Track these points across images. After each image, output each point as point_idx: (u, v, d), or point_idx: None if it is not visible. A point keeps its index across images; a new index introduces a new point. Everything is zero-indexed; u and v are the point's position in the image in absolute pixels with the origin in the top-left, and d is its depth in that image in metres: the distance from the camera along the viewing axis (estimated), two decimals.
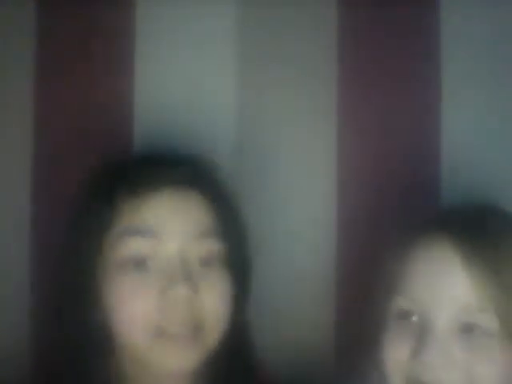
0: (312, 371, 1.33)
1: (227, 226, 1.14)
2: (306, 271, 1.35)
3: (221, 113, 1.35)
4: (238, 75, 1.35)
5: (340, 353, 1.34)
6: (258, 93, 1.35)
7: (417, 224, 1.12)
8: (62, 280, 1.14)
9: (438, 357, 1.02)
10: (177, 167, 1.14)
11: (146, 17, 1.34)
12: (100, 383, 1.11)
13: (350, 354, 1.31)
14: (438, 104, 1.35)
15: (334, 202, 1.35)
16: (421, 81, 1.35)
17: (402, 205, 1.33)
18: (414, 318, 1.06)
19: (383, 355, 1.07)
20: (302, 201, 1.36)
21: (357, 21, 1.35)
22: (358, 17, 1.35)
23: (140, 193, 1.10)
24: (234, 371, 1.15)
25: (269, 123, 1.35)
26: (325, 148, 1.35)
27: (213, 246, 1.11)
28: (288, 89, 1.35)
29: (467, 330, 1.03)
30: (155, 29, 1.34)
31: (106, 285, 1.10)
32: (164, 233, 1.09)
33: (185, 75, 1.35)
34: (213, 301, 1.10)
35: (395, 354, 1.06)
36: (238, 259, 1.14)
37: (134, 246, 1.09)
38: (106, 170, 1.17)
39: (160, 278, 1.08)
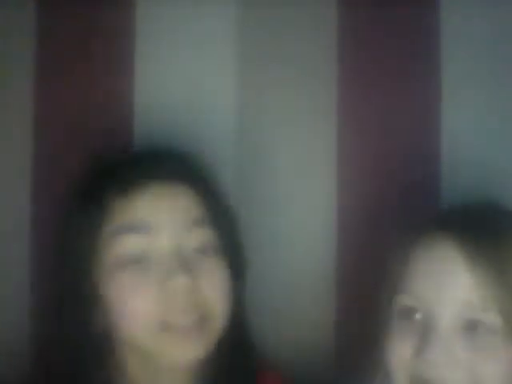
0: (312, 371, 1.33)
1: (217, 215, 1.15)
2: (306, 271, 1.35)
3: (221, 113, 1.35)
4: (238, 75, 1.35)
5: (340, 353, 1.34)
6: (258, 93, 1.35)
7: (418, 224, 1.13)
8: (59, 280, 1.14)
9: (442, 355, 1.03)
10: (164, 162, 1.15)
11: (146, 17, 1.34)
12: (100, 383, 1.12)
13: (349, 354, 1.31)
14: (438, 104, 1.35)
15: (334, 202, 1.35)
16: (421, 81, 1.35)
17: (402, 205, 1.33)
18: (418, 316, 1.06)
19: (387, 353, 1.08)
20: (302, 201, 1.35)
21: (357, 21, 1.35)
22: (357, 17, 1.35)
23: (129, 190, 1.11)
24: (236, 364, 1.15)
25: (269, 123, 1.35)
26: (325, 148, 1.35)
27: (206, 235, 1.12)
28: (288, 89, 1.35)
29: (470, 328, 1.04)
30: (155, 29, 1.34)
31: (104, 284, 1.11)
32: (157, 227, 1.10)
33: (185, 75, 1.35)
34: (213, 288, 1.10)
35: (399, 352, 1.06)
36: (230, 247, 1.15)
37: (129, 244, 1.10)
38: (94, 170, 1.17)
39: (158, 272, 1.09)
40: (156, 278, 1.09)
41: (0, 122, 1.33)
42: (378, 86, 1.35)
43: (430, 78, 1.35)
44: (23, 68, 1.33)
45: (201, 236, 1.12)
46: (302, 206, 1.35)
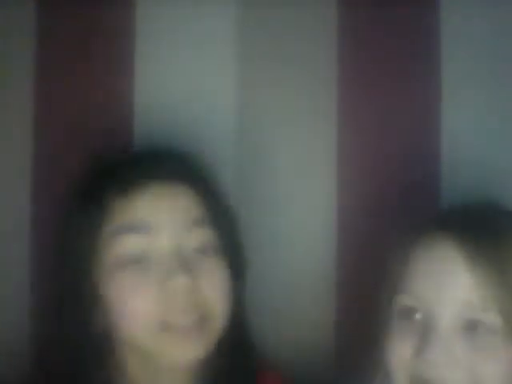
0: (312, 371, 1.33)
1: (217, 215, 1.15)
2: (306, 271, 1.35)
3: (221, 113, 1.35)
4: (238, 75, 1.35)
5: (340, 353, 1.34)
6: (258, 93, 1.35)
7: (418, 224, 1.13)
8: (59, 280, 1.14)
9: (442, 355, 1.03)
10: (164, 162, 1.15)
11: (145, 17, 1.34)
12: (100, 383, 1.12)
13: (349, 354, 1.31)
14: (438, 104, 1.35)
15: (334, 202, 1.35)
16: (421, 81, 1.35)
17: (402, 205, 1.33)
18: (418, 316, 1.06)
19: (387, 353, 1.08)
20: (302, 201, 1.35)
21: (357, 21, 1.35)
22: (357, 17, 1.35)
23: (129, 190, 1.11)
24: (236, 364, 1.15)
25: (269, 123, 1.35)
26: (325, 148, 1.35)
27: (206, 235, 1.12)
28: (288, 89, 1.35)
29: (470, 328, 1.04)
30: (155, 29, 1.34)
31: (104, 284, 1.11)
32: (157, 227, 1.10)
33: (185, 75, 1.35)
34: (213, 288, 1.10)
35: (399, 352, 1.06)
36: (230, 247, 1.16)
37: (129, 244, 1.10)
38: (94, 170, 1.17)
39: (158, 272, 1.09)
40: (156, 278, 1.09)
41: (0, 122, 1.33)
42: (377, 85, 1.35)
43: (429, 78, 1.35)
44: (23, 68, 1.33)
45: (201, 236, 1.12)
46: (302, 205, 1.35)
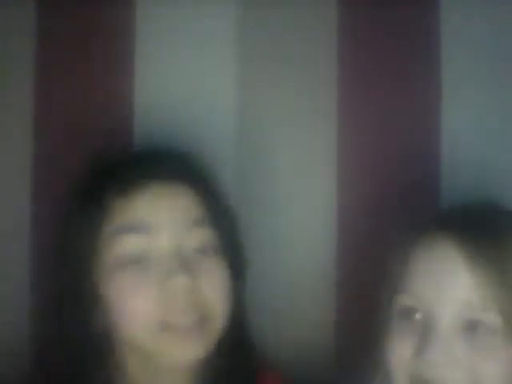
0: (312, 371, 1.33)
1: (217, 215, 1.15)
2: (306, 271, 1.35)
3: (221, 113, 1.35)
4: (238, 75, 1.35)
5: (340, 353, 1.34)
6: (258, 93, 1.35)
7: (418, 224, 1.13)
8: (59, 280, 1.14)
9: (442, 355, 1.03)
10: (164, 162, 1.15)
11: (145, 17, 1.34)
12: (100, 383, 1.12)
13: (349, 353, 1.31)
14: (438, 104, 1.35)
15: (334, 202, 1.35)
16: (421, 81, 1.35)
17: (402, 205, 1.33)
18: (418, 316, 1.06)
19: (387, 353, 1.08)
20: (302, 201, 1.35)
21: (357, 21, 1.35)
22: (358, 17, 1.35)
23: (129, 190, 1.11)
24: (236, 364, 1.16)
25: (269, 123, 1.35)
26: (325, 148, 1.35)
27: (206, 235, 1.12)
28: (288, 89, 1.35)
29: (470, 328, 1.04)
30: (155, 29, 1.34)
31: (104, 284, 1.11)
32: (157, 227, 1.10)
33: (185, 75, 1.35)
34: (213, 288, 1.11)
35: (399, 352, 1.06)
36: (230, 247, 1.16)
37: (129, 244, 1.10)
38: (94, 170, 1.17)
39: (158, 272, 1.09)
40: (156, 278, 1.09)
41: (0, 122, 1.33)
42: (378, 85, 1.35)
43: (429, 78, 1.35)
44: (23, 68, 1.33)
45: (201, 236, 1.12)
46: (302, 205, 1.35)
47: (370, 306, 1.16)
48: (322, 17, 1.35)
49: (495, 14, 1.35)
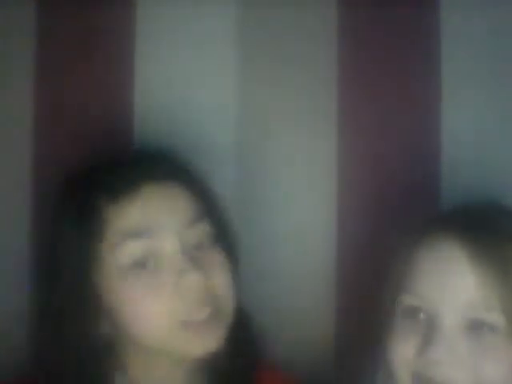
0: (312, 371, 1.33)
1: (210, 209, 1.16)
2: (306, 271, 1.35)
3: (221, 113, 1.35)
4: (238, 75, 1.35)
5: (340, 353, 1.34)
6: (258, 93, 1.35)
7: (419, 223, 1.13)
8: (57, 291, 1.13)
9: (445, 354, 1.03)
10: (156, 164, 1.16)
11: (145, 17, 1.34)
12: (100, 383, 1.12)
13: (349, 354, 1.31)
14: (438, 104, 1.35)
15: (334, 202, 1.35)
16: (421, 81, 1.35)
17: (402, 205, 1.33)
18: (421, 316, 1.06)
19: (390, 353, 1.08)
20: (302, 201, 1.35)
21: (357, 21, 1.35)
22: (358, 17, 1.35)
23: (125, 197, 1.11)
24: (236, 364, 1.17)
25: (269, 123, 1.35)
26: (325, 148, 1.35)
27: (204, 229, 1.13)
28: (288, 89, 1.35)
29: (474, 327, 1.04)
30: (155, 29, 1.34)
31: (109, 291, 1.11)
32: (159, 229, 1.11)
33: (185, 75, 1.35)
34: (221, 280, 1.12)
35: (402, 351, 1.07)
36: (224, 237, 1.17)
37: (132, 250, 1.10)
38: (85, 178, 1.17)
39: (169, 273, 1.10)
40: (168, 279, 1.09)
41: (0, 122, 1.33)
42: (377, 85, 1.35)
43: (429, 78, 1.35)
44: (23, 68, 1.33)
45: (200, 232, 1.13)
46: (301, 206, 1.35)
47: (370, 306, 1.16)
48: (322, 17, 1.35)
49: (495, 13, 1.35)
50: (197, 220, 1.13)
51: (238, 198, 1.32)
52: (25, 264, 1.31)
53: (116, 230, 1.11)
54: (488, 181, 1.33)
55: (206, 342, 1.10)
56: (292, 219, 1.35)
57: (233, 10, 1.35)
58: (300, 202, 1.35)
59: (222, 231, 1.17)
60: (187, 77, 1.35)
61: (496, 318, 1.03)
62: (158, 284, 1.09)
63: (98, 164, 1.19)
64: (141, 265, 1.10)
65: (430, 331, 1.05)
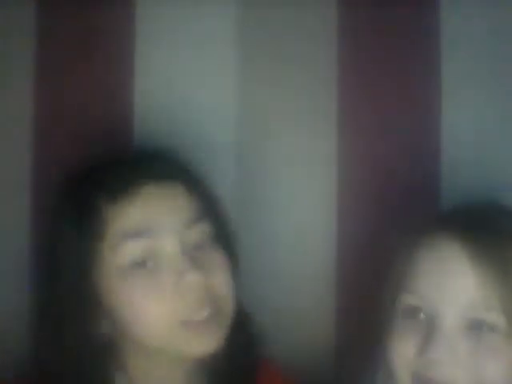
0: (312, 371, 1.33)
1: (210, 209, 1.16)
2: (306, 271, 1.35)
3: (221, 113, 1.35)
4: (238, 75, 1.35)
5: (340, 353, 1.34)
6: (258, 93, 1.35)
7: (420, 223, 1.13)
8: (56, 292, 1.13)
9: (446, 354, 1.03)
10: (154, 163, 1.16)
11: (145, 17, 1.34)
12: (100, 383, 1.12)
13: (349, 354, 1.31)
14: (438, 104, 1.35)
15: (334, 202, 1.35)
16: (421, 81, 1.35)
17: (402, 205, 1.33)
18: (421, 316, 1.07)
19: (390, 353, 1.08)
20: (302, 201, 1.35)
21: (357, 21, 1.35)
22: (357, 17, 1.35)
23: (124, 196, 1.11)
24: (236, 364, 1.17)
25: (269, 123, 1.35)
26: (325, 148, 1.35)
27: (204, 229, 1.13)
28: (288, 89, 1.35)
29: (474, 327, 1.04)
30: (155, 29, 1.34)
31: (109, 291, 1.11)
32: (160, 229, 1.11)
33: (185, 75, 1.35)
34: (221, 279, 1.12)
35: (402, 351, 1.07)
36: (224, 237, 1.17)
37: (132, 250, 1.10)
38: (84, 178, 1.17)
39: (169, 273, 1.10)
40: (168, 279, 1.09)
41: (0, 122, 1.33)
42: (377, 85, 1.35)
43: (429, 78, 1.35)
44: (23, 68, 1.33)
45: (200, 232, 1.13)
46: (302, 206, 1.35)
47: (370, 306, 1.16)
48: (322, 17, 1.35)
49: (495, 13, 1.35)
50: (197, 220, 1.13)
51: (238, 197, 1.32)
52: (25, 264, 1.31)
53: (116, 229, 1.11)
54: (488, 181, 1.33)
55: (206, 342, 1.10)
56: (292, 219, 1.35)
57: (233, 10, 1.35)
58: (300, 201, 1.35)
59: (222, 231, 1.17)
60: (187, 77, 1.35)
61: (496, 318, 1.03)
62: (157, 284, 1.09)
63: (98, 164, 1.19)
64: (141, 265, 1.10)
65: (430, 331, 1.05)
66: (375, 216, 1.34)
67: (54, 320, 1.13)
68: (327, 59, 1.35)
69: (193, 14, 1.34)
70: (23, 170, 1.33)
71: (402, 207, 1.33)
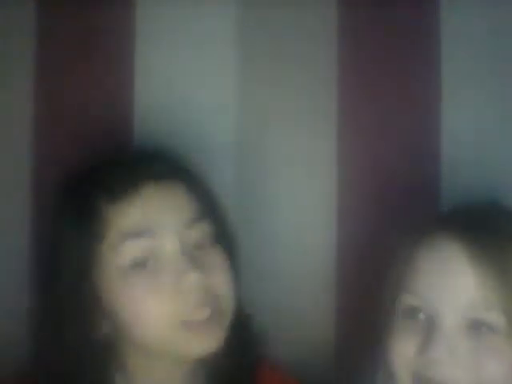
0: (312, 371, 1.33)
1: (210, 209, 1.16)
2: (306, 271, 1.35)
3: (221, 113, 1.35)
4: (238, 75, 1.35)
5: (340, 353, 1.34)
6: (258, 93, 1.35)
7: (420, 223, 1.13)
8: (56, 292, 1.13)
9: (446, 354, 1.03)
10: (154, 163, 1.15)
11: (145, 17, 1.34)
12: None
13: (349, 354, 1.31)
14: (438, 104, 1.35)
15: (334, 202, 1.35)
16: (421, 81, 1.35)
17: (402, 205, 1.33)
18: (421, 316, 1.07)
19: (390, 353, 1.08)
20: (302, 201, 1.35)
21: (357, 21, 1.35)
22: (358, 17, 1.35)
23: (124, 196, 1.11)
24: (236, 364, 1.17)
25: (269, 123, 1.35)
26: (325, 148, 1.35)
27: (204, 229, 1.13)
28: (288, 89, 1.35)
29: (474, 327, 1.04)
30: (155, 29, 1.34)
31: (109, 291, 1.11)
32: (160, 229, 1.11)
33: (185, 75, 1.35)
34: (221, 279, 1.12)
35: (402, 351, 1.07)
36: (224, 237, 1.17)
37: (132, 250, 1.10)
38: (84, 178, 1.17)
39: (169, 273, 1.10)
40: (168, 279, 1.09)
41: (0, 122, 1.33)
42: (378, 85, 1.35)
43: (429, 78, 1.35)
44: (23, 68, 1.33)
45: (200, 231, 1.13)
46: (302, 205, 1.35)
47: (370, 306, 1.16)
48: (322, 17, 1.35)
49: (495, 13, 1.35)
50: (197, 220, 1.13)
51: (238, 198, 1.32)
52: (25, 264, 1.31)
53: (116, 230, 1.11)
54: (488, 181, 1.33)
55: (206, 342, 1.10)
56: (292, 219, 1.35)
57: (233, 10, 1.35)
58: (300, 202, 1.35)
59: (222, 231, 1.17)
60: (187, 77, 1.35)
61: (496, 317, 1.03)
62: (158, 284, 1.09)
63: (98, 164, 1.18)
64: (141, 265, 1.10)
65: (430, 331, 1.05)
66: (375, 216, 1.34)
67: (54, 320, 1.13)
68: (327, 59, 1.35)
69: (193, 14, 1.34)
70: (23, 170, 1.33)
71: (402, 207, 1.33)
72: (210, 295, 1.10)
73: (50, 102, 1.33)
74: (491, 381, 1.04)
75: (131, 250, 1.10)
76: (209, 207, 1.16)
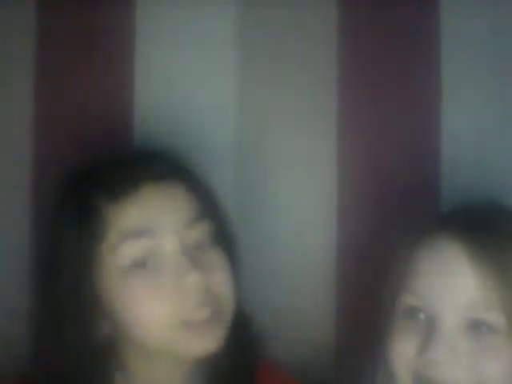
0: (312, 371, 1.33)
1: (210, 209, 1.16)
2: (306, 271, 1.35)
3: (221, 113, 1.35)
4: (238, 75, 1.35)
5: (340, 353, 1.34)
6: (258, 93, 1.35)
7: (420, 223, 1.13)
8: (56, 292, 1.13)
9: (445, 354, 1.03)
10: (153, 163, 1.15)
11: (145, 17, 1.34)
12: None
13: (349, 354, 1.31)
14: (438, 104, 1.35)
15: (334, 202, 1.35)
16: (421, 81, 1.35)
17: (402, 205, 1.33)
18: (421, 316, 1.07)
19: (390, 353, 1.08)
20: (302, 201, 1.35)
21: (357, 21, 1.35)
22: (358, 17, 1.35)
23: (124, 196, 1.11)
24: (236, 363, 1.17)
25: (269, 123, 1.35)
26: (325, 148, 1.35)
27: (204, 229, 1.13)
28: (288, 89, 1.35)
29: (474, 327, 1.04)
30: (155, 29, 1.34)
31: (109, 291, 1.11)
32: (160, 229, 1.11)
33: (185, 75, 1.35)
34: (221, 280, 1.12)
35: (402, 351, 1.07)
36: (224, 237, 1.17)
37: (132, 250, 1.10)
38: (82, 181, 1.17)
39: (169, 273, 1.10)
40: (168, 279, 1.09)
41: (0, 122, 1.33)
42: (378, 85, 1.35)
43: (429, 78, 1.35)
44: (23, 68, 1.33)
45: (200, 231, 1.13)
46: (302, 206, 1.35)
47: (370, 306, 1.16)
48: (322, 17, 1.35)
49: (495, 13, 1.35)
50: (197, 220, 1.13)
51: (237, 198, 1.32)
52: (25, 264, 1.31)
53: (116, 230, 1.11)
54: (488, 181, 1.33)
55: (207, 342, 1.10)
56: (292, 219, 1.35)
57: (233, 10, 1.35)
58: (300, 201, 1.35)
59: (222, 231, 1.17)
60: (187, 77, 1.35)
61: (496, 317, 1.03)
62: (158, 284, 1.09)
63: (98, 164, 1.18)
64: (141, 265, 1.10)
65: (429, 331, 1.05)
66: (375, 216, 1.34)
67: (54, 320, 1.13)
68: (327, 59, 1.35)
69: (193, 13, 1.34)
70: (23, 169, 1.33)
71: (402, 207, 1.33)
72: (210, 295, 1.10)
73: (50, 102, 1.33)
74: (491, 381, 1.04)
75: (131, 250, 1.10)
76: (209, 207, 1.16)
